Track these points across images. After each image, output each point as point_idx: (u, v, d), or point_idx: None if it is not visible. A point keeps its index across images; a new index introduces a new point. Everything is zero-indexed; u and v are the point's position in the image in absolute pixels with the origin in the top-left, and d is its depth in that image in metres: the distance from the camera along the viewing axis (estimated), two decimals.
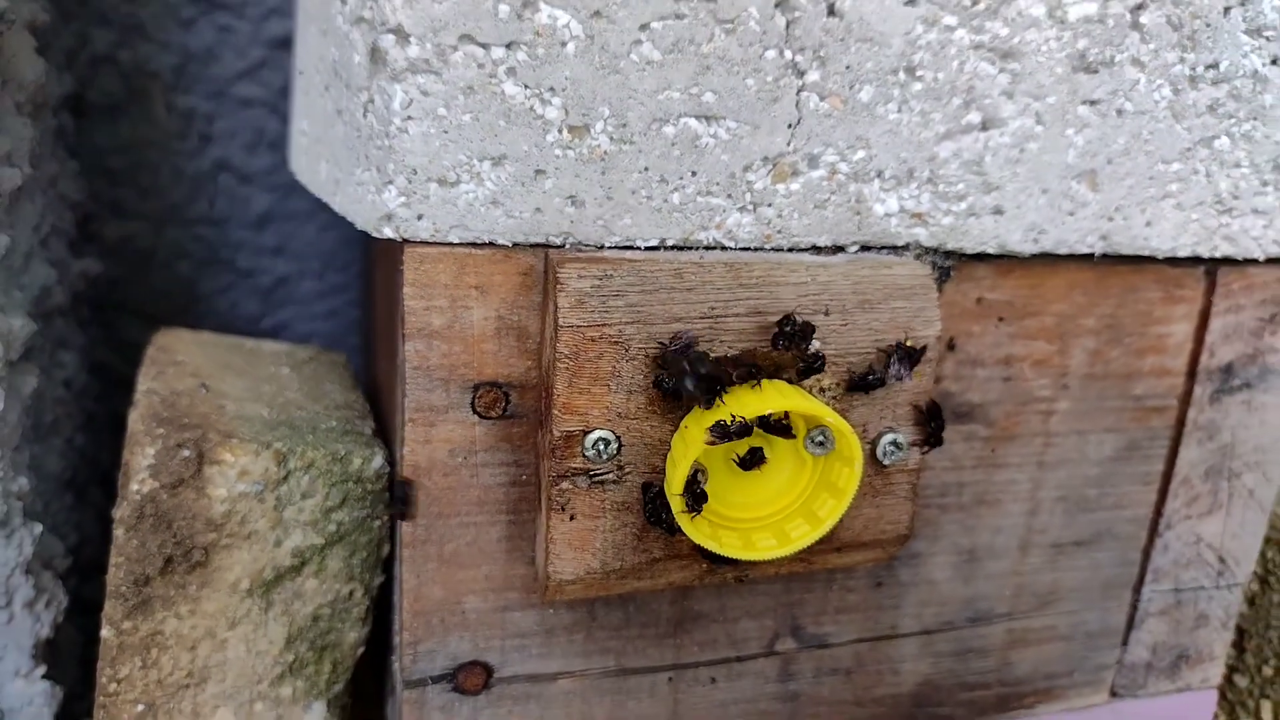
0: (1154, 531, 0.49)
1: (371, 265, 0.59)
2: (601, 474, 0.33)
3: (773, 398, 0.32)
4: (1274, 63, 0.41)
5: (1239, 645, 0.59)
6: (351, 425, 0.46)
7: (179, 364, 0.49)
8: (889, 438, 0.36)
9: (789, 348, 0.33)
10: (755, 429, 0.32)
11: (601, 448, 0.33)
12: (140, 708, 0.43)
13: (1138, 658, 0.51)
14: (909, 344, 0.35)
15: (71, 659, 0.54)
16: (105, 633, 0.42)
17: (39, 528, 0.48)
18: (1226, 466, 0.48)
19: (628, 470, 0.34)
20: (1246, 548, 0.51)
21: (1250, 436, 0.48)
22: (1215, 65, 0.40)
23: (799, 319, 0.34)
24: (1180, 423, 0.47)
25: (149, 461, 0.40)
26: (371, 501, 0.43)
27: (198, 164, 0.72)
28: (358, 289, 0.79)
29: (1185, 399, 0.46)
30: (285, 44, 0.71)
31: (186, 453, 0.40)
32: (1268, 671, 0.58)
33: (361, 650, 0.45)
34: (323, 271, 0.78)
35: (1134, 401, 0.45)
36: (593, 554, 0.35)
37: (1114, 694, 0.52)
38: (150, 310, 0.74)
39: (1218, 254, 0.43)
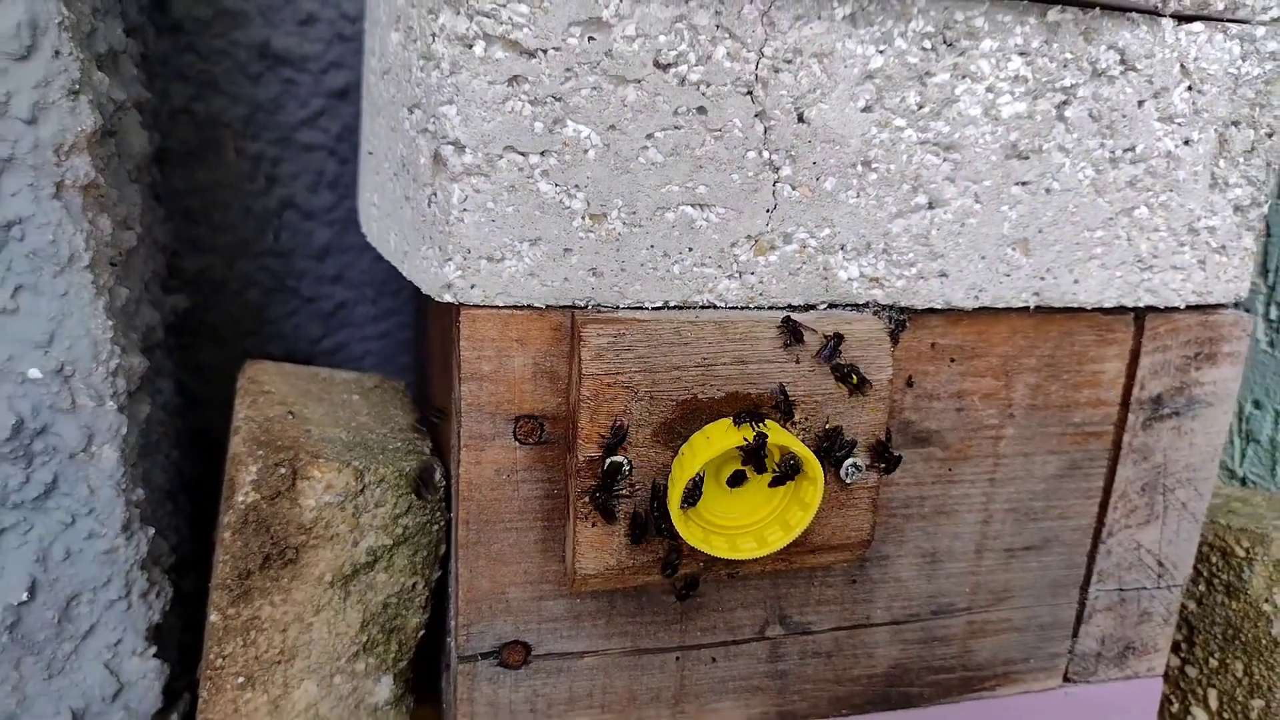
0: (1097, 538, 0.56)
1: (423, 304, 0.68)
2: (613, 497, 0.42)
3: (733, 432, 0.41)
4: (1186, 143, 0.49)
5: (1189, 640, 0.66)
6: (414, 445, 0.55)
7: (268, 393, 0.58)
8: (850, 461, 0.44)
9: (781, 421, 0.42)
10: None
11: (615, 470, 0.42)
12: (241, 679, 0.52)
13: (1088, 648, 0.59)
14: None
15: (173, 643, 0.63)
16: (213, 617, 0.51)
17: (151, 530, 0.58)
18: (1161, 483, 0.56)
19: (638, 487, 0.43)
20: (1183, 553, 0.58)
21: (1181, 457, 0.56)
22: (1132, 149, 0.48)
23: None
24: (1116, 445, 0.54)
25: (252, 477, 0.49)
26: (430, 509, 0.52)
27: (265, 203, 0.81)
28: (407, 314, 0.88)
29: (1120, 425, 0.54)
30: (342, 95, 0.81)
31: (283, 470, 0.49)
32: (1213, 663, 0.65)
33: (422, 633, 0.54)
34: (376, 298, 0.87)
35: (1073, 428, 0.53)
36: (610, 554, 0.44)
37: (1067, 679, 0.59)
38: (224, 334, 0.84)
39: (1141, 304, 0.51)
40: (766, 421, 0.41)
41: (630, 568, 0.44)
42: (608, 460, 0.41)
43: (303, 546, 0.50)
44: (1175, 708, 0.67)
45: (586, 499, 0.42)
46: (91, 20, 0.52)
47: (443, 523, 0.52)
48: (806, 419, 0.44)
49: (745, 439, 0.40)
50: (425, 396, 0.66)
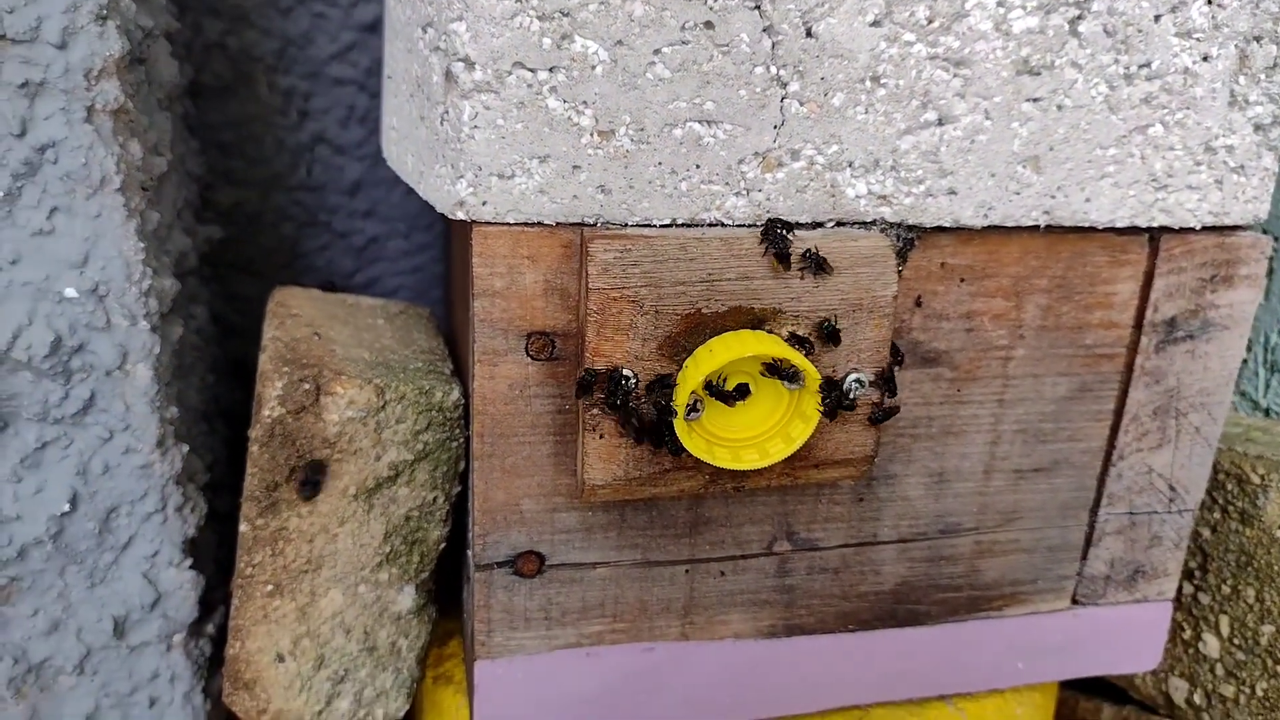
0: (1107, 462, 0.57)
1: (449, 233, 0.69)
2: (626, 402, 0.43)
3: (757, 344, 0.42)
4: (1204, 59, 0.48)
5: (1203, 568, 0.66)
6: (434, 366, 0.56)
7: (295, 316, 0.60)
8: (853, 377, 0.45)
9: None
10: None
11: (619, 380, 0.43)
12: (270, 587, 0.54)
13: (1097, 571, 0.60)
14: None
15: (208, 558, 0.66)
16: (243, 528, 0.54)
17: (185, 448, 0.60)
18: (1173, 407, 0.56)
19: (643, 399, 0.44)
20: (1195, 478, 0.58)
21: (1194, 381, 0.56)
22: (1148, 64, 0.47)
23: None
24: (1128, 368, 0.55)
25: (278, 393, 0.51)
26: (449, 426, 0.54)
27: (297, 137, 0.83)
28: (439, 248, 0.89)
29: (1132, 348, 0.54)
30: (372, 28, 0.81)
31: (307, 385, 0.51)
32: (1226, 590, 0.65)
33: (443, 545, 0.56)
34: (408, 232, 0.89)
35: (1084, 350, 0.53)
36: (618, 465, 0.45)
37: (1075, 601, 0.60)
38: (258, 267, 0.86)
39: (1155, 224, 0.51)
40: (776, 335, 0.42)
41: (637, 479, 0.45)
42: (613, 369, 0.43)
43: (327, 460, 0.52)
44: (1187, 634, 0.68)
45: (594, 411, 0.44)
46: None
47: (462, 440, 0.54)
48: (808, 334, 0.45)
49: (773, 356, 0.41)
50: (450, 322, 0.67)
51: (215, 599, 0.65)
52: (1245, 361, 0.75)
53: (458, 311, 0.59)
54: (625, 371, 0.43)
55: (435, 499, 0.55)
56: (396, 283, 0.91)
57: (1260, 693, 0.64)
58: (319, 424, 0.51)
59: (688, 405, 0.42)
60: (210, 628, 0.63)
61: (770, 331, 0.43)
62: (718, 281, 0.43)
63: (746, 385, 0.43)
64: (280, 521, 0.53)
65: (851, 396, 0.45)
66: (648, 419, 0.44)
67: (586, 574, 0.51)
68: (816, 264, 0.44)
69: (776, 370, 0.42)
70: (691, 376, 0.41)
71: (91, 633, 0.59)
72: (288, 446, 0.51)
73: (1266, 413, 0.74)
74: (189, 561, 0.61)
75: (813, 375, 0.42)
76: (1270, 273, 0.72)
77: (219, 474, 0.71)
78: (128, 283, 0.53)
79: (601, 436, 0.44)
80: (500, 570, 0.50)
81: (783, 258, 0.43)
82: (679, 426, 0.42)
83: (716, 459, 0.43)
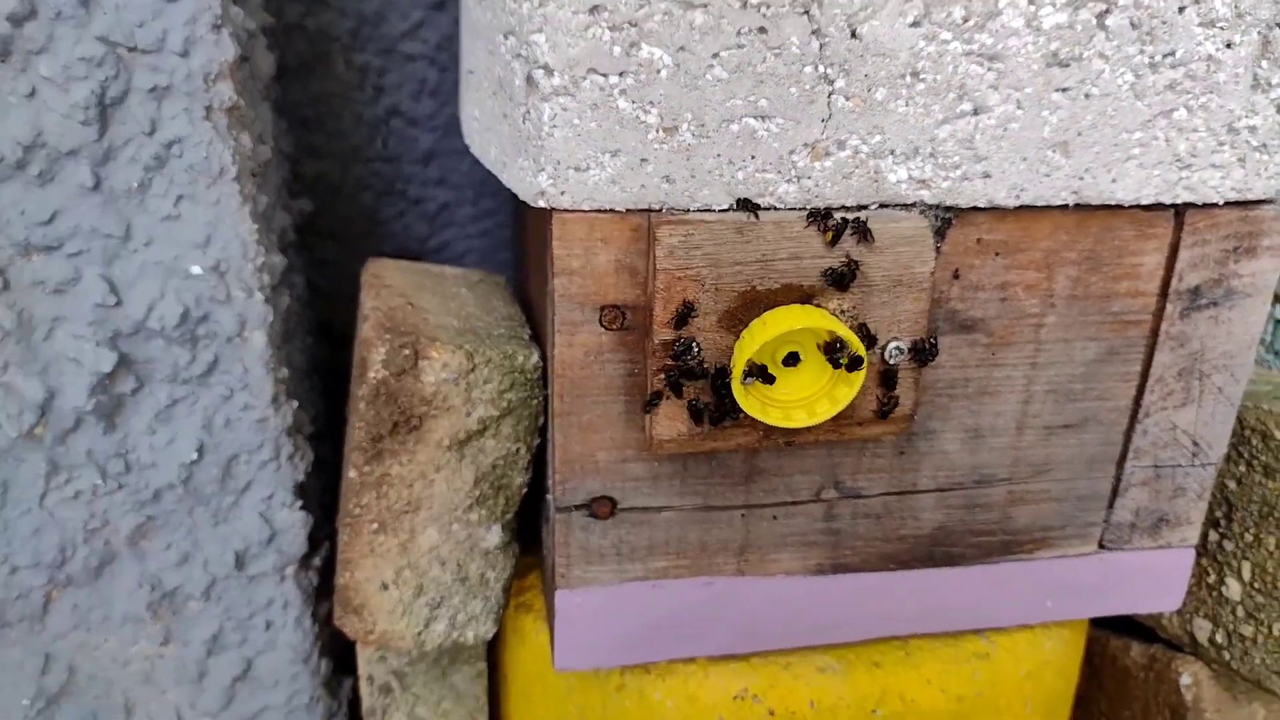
0: (1134, 419, 0.61)
1: (520, 207, 0.75)
2: (692, 372, 0.49)
3: (805, 317, 0.47)
4: (1227, 46, 0.52)
5: (1228, 517, 0.71)
6: (515, 332, 0.63)
7: (389, 286, 0.66)
8: (894, 344, 0.50)
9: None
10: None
11: (687, 347, 0.49)
12: (375, 526, 0.62)
13: (1122, 519, 0.64)
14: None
15: (314, 500, 0.74)
16: (350, 474, 0.61)
17: (295, 403, 0.68)
18: (1197, 369, 0.60)
19: (706, 365, 0.50)
20: (1218, 434, 0.63)
21: (1218, 344, 0.60)
22: (1173, 53, 0.51)
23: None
24: (1154, 333, 0.59)
25: (381, 357, 0.58)
26: (530, 386, 0.60)
27: (373, 110, 0.89)
28: (505, 213, 0.95)
29: (1158, 315, 0.58)
30: (439, 6, 0.86)
31: (406, 351, 0.57)
32: (1249, 538, 0.69)
33: (525, 490, 0.63)
34: (477, 199, 0.95)
35: (1112, 316, 0.58)
36: (682, 423, 0.51)
37: (1102, 546, 0.65)
38: (341, 235, 0.93)
39: (1180, 201, 0.55)
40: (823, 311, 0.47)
41: (699, 434, 0.52)
42: (679, 338, 0.48)
43: (425, 416, 0.59)
44: (1212, 578, 0.73)
45: (662, 375, 0.50)
46: None
47: (541, 398, 0.60)
48: (854, 306, 0.50)
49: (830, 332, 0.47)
50: (523, 289, 0.73)
51: (320, 536, 0.73)
52: (1278, 322, 0.78)
53: (532, 279, 0.65)
54: (690, 339, 0.49)
55: (518, 449, 0.61)
56: (465, 245, 0.97)
57: (1277, 633, 0.68)
58: (418, 384, 0.58)
59: (744, 371, 0.48)
60: (317, 560, 0.71)
61: (818, 305, 0.48)
62: (771, 261, 0.48)
63: (796, 354, 0.49)
64: (384, 469, 0.60)
65: (891, 361, 0.51)
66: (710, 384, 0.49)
67: (653, 517, 0.58)
68: (861, 234, 0.49)
69: (830, 349, 0.48)
70: (748, 346, 0.47)
71: (216, 564, 0.67)
72: (390, 404, 0.58)
73: None
74: (299, 503, 0.68)
75: (856, 345, 0.48)
76: None
77: (320, 425, 0.79)
78: (244, 260, 0.60)
79: (668, 398, 0.50)
80: (578, 513, 0.57)
81: (831, 230, 0.48)
82: (736, 390, 0.48)
83: (770, 418, 0.49)
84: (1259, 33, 0.52)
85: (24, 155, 0.54)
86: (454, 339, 0.59)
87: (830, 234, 0.49)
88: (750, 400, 0.49)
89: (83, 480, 0.62)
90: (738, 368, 0.47)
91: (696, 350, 0.49)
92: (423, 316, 0.62)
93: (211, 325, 0.61)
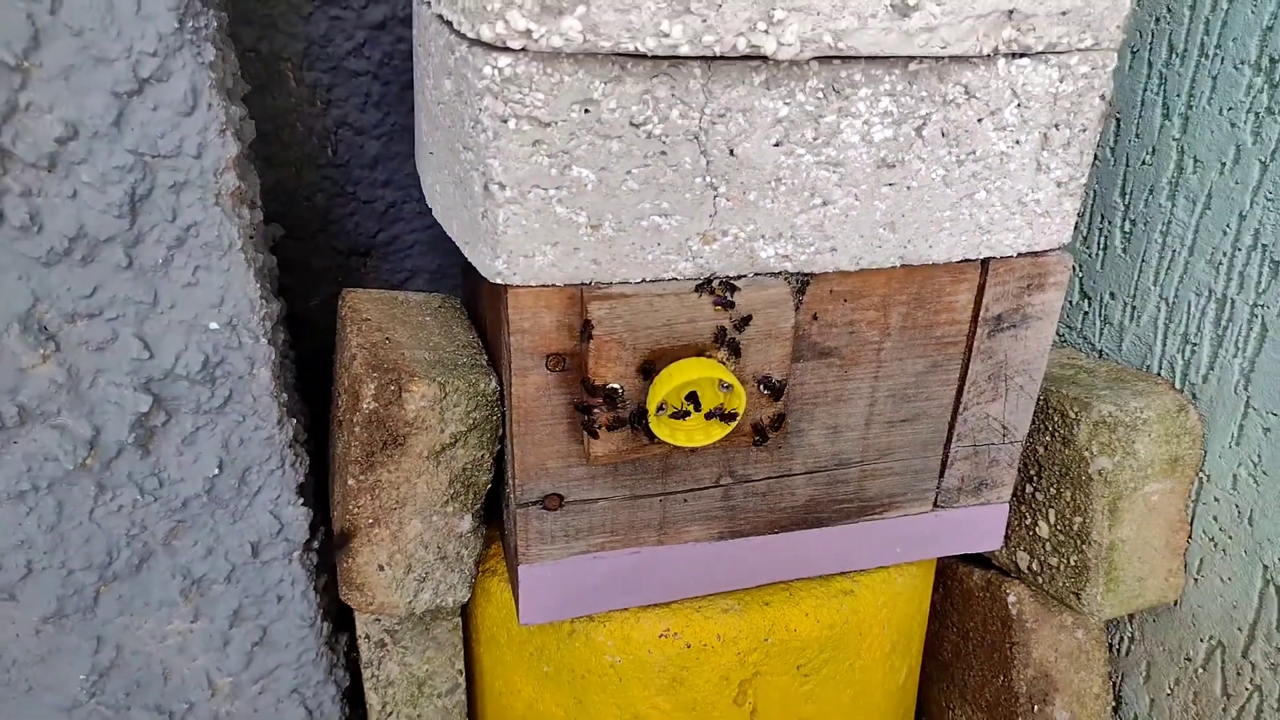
0: (955, 412, 0.80)
1: None
2: (615, 402, 0.66)
3: (700, 368, 0.64)
4: (1016, 144, 0.69)
5: (1039, 475, 0.91)
6: (475, 360, 0.78)
7: (367, 320, 0.81)
8: (763, 381, 0.67)
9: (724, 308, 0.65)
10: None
11: (613, 392, 0.65)
12: (370, 520, 0.77)
13: (951, 485, 0.84)
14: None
15: (311, 494, 0.89)
16: (350, 482, 0.76)
17: (294, 420, 0.82)
18: (1003, 373, 0.79)
19: (628, 403, 0.66)
20: (1021, 419, 0.82)
21: (1018, 355, 0.78)
22: (974, 152, 0.68)
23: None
24: (969, 350, 0.77)
25: (371, 392, 0.72)
26: (490, 405, 0.76)
27: (324, 122, 1.00)
28: None
29: (970, 336, 0.76)
30: (381, 26, 0.97)
31: (392, 387, 0.72)
32: (1052, 491, 0.90)
33: (489, 485, 0.79)
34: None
35: (935, 339, 0.76)
36: (612, 443, 0.68)
37: (936, 506, 0.85)
38: (298, 233, 1.04)
39: (983, 256, 0.72)
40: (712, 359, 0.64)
41: (624, 450, 0.68)
42: (608, 385, 0.65)
43: (408, 434, 0.74)
44: (1028, 521, 0.93)
45: (597, 414, 0.66)
46: (224, 68, 0.71)
47: (499, 414, 0.76)
48: (737, 354, 0.67)
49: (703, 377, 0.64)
50: (474, 309, 0.88)
51: (317, 523, 0.89)
52: (1086, 314, 0.98)
53: (487, 313, 0.80)
54: (615, 386, 0.65)
55: (483, 455, 0.77)
56: (413, 239, 1.11)
57: (1073, 563, 0.89)
58: (401, 411, 0.73)
59: (658, 407, 0.64)
60: (316, 543, 0.87)
61: (709, 356, 0.65)
62: (674, 325, 0.65)
63: (696, 393, 0.66)
64: (376, 476, 0.76)
65: (765, 391, 0.68)
66: (629, 417, 0.66)
67: (592, 506, 0.75)
68: (730, 302, 0.65)
69: (711, 413, 0.65)
70: (658, 392, 0.64)
71: (235, 554, 0.82)
72: (380, 428, 0.73)
73: (1100, 354, 0.97)
74: (301, 500, 0.84)
75: (739, 389, 0.65)
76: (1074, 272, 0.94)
77: (309, 423, 0.93)
78: (251, 313, 0.74)
79: (600, 426, 0.67)
80: (534, 507, 0.73)
81: (719, 301, 0.65)
82: (652, 422, 0.65)
83: (677, 440, 0.66)
84: (1040, 132, 0.69)
85: (69, 245, 0.67)
86: (428, 372, 0.74)
87: (717, 305, 0.65)
88: (661, 428, 0.66)
89: (124, 497, 0.76)
90: (652, 407, 0.64)
91: (621, 392, 0.65)
92: (400, 352, 0.77)
93: (227, 367, 0.75)
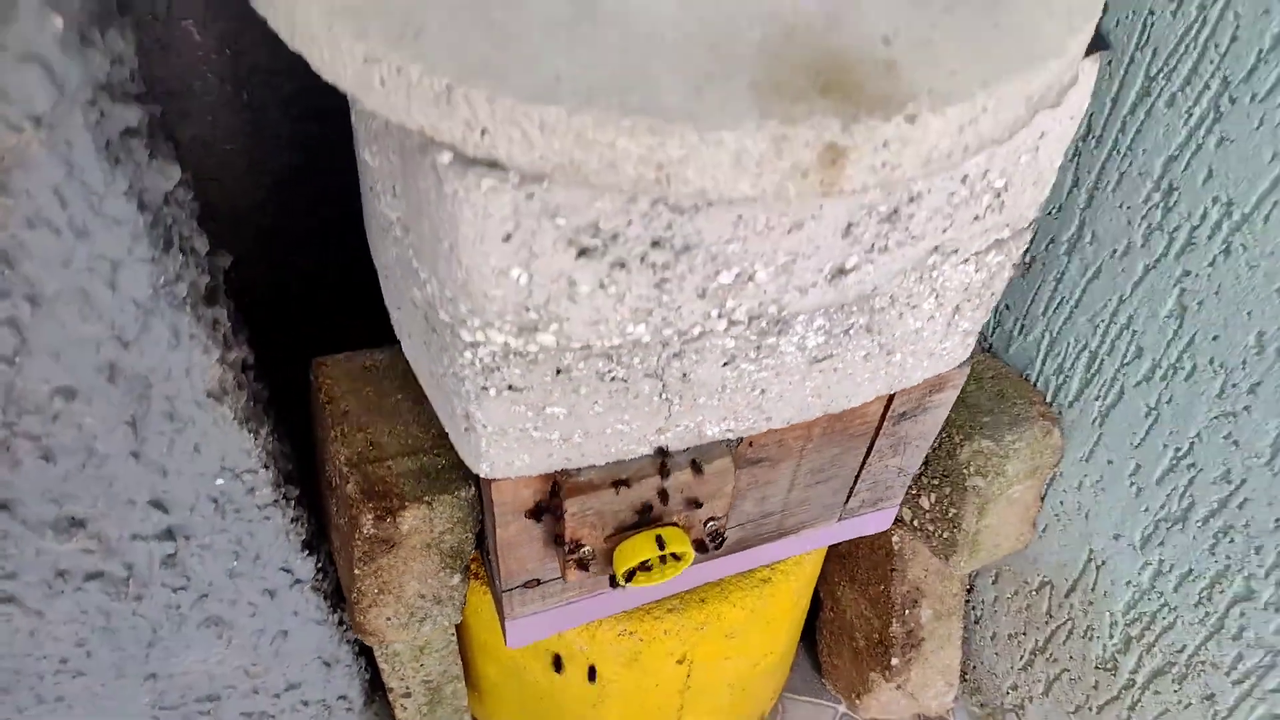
0: (861, 469, 0.95)
1: None
2: (586, 560, 0.79)
3: (652, 547, 0.77)
4: (930, 319, 0.78)
5: (927, 464, 1.09)
6: (455, 461, 0.88)
7: (346, 415, 0.89)
8: (712, 524, 0.81)
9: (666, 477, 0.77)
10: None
11: (586, 551, 0.79)
12: (377, 590, 0.92)
13: (854, 506, 1.02)
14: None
15: (314, 537, 1.02)
16: (356, 570, 0.90)
17: (293, 505, 0.93)
18: (903, 443, 0.94)
19: (597, 557, 0.80)
20: (914, 463, 0.98)
21: (916, 433, 0.93)
22: (893, 334, 0.77)
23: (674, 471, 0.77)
24: (876, 434, 0.91)
25: (370, 519, 0.84)
26: (470, 508, 0.88)
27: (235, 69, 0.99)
28: None
29: (878, 428, 0.90)
30: None
31: (388, 519, 0.84)
32: (935, 480, 1.08)
33: (471, 553, 0.93)
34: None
35: (849, 435, 0.89)
36: (584, 578, 0.82)
37: (840, 519, 1.03)
38: (220, 177, 1.06)
39: (895, 391, 0.84)
40: (666, 532, 0.78)
41: (596, 581, 0.83)
42: (581, 550, 0.78)
43: (403, 539, 0.87)
44: (913, 491, 1.13)
45: (571, 562, 0.80)
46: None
47: (477, 513, 0.89)
48: (687, 512, 0.80)
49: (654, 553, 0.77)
50: None
51: (320, 552, 1.03)
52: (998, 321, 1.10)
53: None
54: (587, 548, 0.78)
55: (465, 539, 0.91)
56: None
57: (944, 537, 1.11)
58: (395, 529, 0.85)
59: (625, 576, 0.79)
60: (326, 581, 1.02)
61: (667, 524, 0.78)
62: (635, 506, 0.77)
63: (648, 561, 0.80)
64: (378, 564, 0.89)
65: (710, 529, 0.82)
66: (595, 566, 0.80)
67: (559, 582, 0.91)
68: (696, 470, 0.77)
69: (663, 558, 0.79)
70: (621, 564, 0.77)
71: (256, 600, 0.97)
72: (379, 541, 0.86)
73: (990, 349, 1.11)
74: (307, 551, 0.97)
75: (688, 556, 0.79)
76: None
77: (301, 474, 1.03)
78: (258, 465, 0.82)
79: (573, 569, 0.81)
80: (517, 589, 0.89)
81: (667, 474, 0.77)
82: (620, 579, 0.79)
83: (638, 583, 0.81)
84: (954, 307, 0.78)
85: (83, 463, 0.73)
86: (415, 491, 0.85)
87: (666, 477, 0.77)
88: (629, 583, 0.81)
89: (160, 597, 0.88)
90: (619, 574, 0.78)
91: (591, 554, 0.79)
92: (387, 465, 0.87)
93: (237, 504, 0.85)
